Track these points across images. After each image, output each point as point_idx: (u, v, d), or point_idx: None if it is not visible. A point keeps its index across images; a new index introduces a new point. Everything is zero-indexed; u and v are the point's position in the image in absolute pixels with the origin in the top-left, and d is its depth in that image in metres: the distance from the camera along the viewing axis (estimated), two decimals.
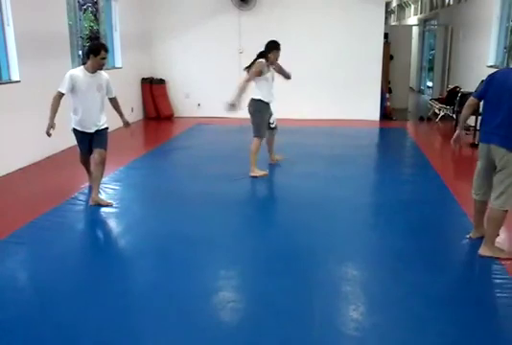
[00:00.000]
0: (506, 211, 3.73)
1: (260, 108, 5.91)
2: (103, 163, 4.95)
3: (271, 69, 6.01)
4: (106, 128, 5.03)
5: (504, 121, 3.61)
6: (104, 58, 4.78)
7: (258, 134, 5.95)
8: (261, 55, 5.90)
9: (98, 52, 4.70)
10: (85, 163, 5.31)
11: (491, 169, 3.79)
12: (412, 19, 18.96)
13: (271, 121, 6.23)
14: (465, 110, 4.01)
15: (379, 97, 10.16)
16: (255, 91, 5.93)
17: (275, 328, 2.88)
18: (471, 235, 4.12)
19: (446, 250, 4.01)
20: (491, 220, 3.80)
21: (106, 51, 4.77)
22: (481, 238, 3.93)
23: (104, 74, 4.96)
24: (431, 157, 6.95)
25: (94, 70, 4.80)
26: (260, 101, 5.89)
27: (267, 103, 5.96)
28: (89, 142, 5.01)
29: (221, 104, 5.96)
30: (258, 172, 5.93)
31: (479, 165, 3.91)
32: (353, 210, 4.92)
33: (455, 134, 4.09)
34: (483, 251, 3.78)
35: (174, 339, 2.80)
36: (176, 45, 10.37)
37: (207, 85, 10.37)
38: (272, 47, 5.89)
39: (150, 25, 10.32)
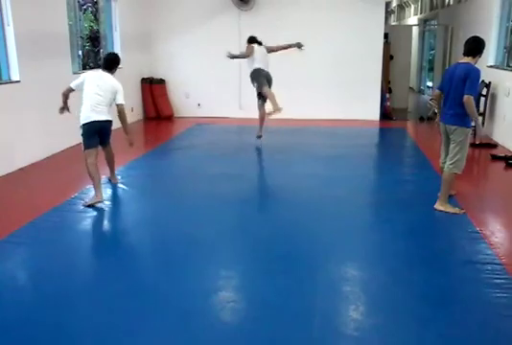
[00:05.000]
0: (455, 173, 4.74)
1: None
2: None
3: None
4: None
5: (451, 104, 4.65)
6: None
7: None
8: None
9: None
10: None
11: (448, 142, 4.82)
12: (412, 19, 18.95)
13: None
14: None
15: (379, 97, 10.16)
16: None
17: (275, 328, 2.88)
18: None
19: (446, 250, 4.01)
20: (444, 181, 4.81)
21: None
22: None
23: None
24: (431, 157, 6.94)
25: None
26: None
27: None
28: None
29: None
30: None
31: (442, 139, 4.96)
32: (353, 210, 4.93)
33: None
34: (438, 206, 4.78)
35: (174, 339, 2.80)
36: (176, 45, 10.36)
37: (207, 85, 10.37)
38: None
39: (150, 25, 10.31)
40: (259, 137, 7.76)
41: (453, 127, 4.68)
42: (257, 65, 7.52)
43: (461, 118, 4.61)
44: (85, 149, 4.98)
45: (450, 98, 4.69)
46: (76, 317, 3.01)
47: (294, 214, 4.86)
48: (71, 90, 5.09)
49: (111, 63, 5.19)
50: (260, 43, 7.68)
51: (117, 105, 5.08)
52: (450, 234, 4.41)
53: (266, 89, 7.42)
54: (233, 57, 7.64)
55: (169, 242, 4.14)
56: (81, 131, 5.00)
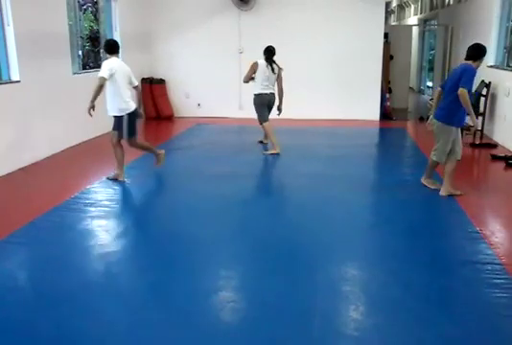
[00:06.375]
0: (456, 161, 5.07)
1: None
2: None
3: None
4: (115, 116, 5.36)
5: (446, 99, 4.96)
6: None
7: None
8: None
9: None
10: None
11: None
12: (412, 19, 18.96)
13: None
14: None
15: (379, 97, 10.16)
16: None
17: (275, 328, 2.88)
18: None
19: (446, 250, 4.01)
20: (445, 171, 5.14)
21: None
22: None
23: None
24: None
25: None
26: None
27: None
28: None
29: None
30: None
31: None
32: (352, 210, 4.93)
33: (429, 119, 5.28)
34: (441, 192, 5.10)
35: (174, 339, 2.80)
36: (176, 45, 10.37)
37: (207, 85, 10.37)
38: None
39: (150, 25, 10.32)
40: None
41: (439, 124, 4.99)
42: (258, 89, 7.05)
43: (450, 115, 4.90)
44: (131, 136, 5.42)
45: (445, 94, 5.01)
46: (75, 317, 3.00)
47: (294, 213, 4.86)
48: (106, 81, 5.17)
49: (116, 47, 5.42)
50: (271, 58, 7.03)
51: (136, 88, 5.55)
52: (450, 234, 4.41)
53: (265, 126, 7.17)
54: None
55: (169, 242, 4.14)
56: (125, 118, 5.34)
